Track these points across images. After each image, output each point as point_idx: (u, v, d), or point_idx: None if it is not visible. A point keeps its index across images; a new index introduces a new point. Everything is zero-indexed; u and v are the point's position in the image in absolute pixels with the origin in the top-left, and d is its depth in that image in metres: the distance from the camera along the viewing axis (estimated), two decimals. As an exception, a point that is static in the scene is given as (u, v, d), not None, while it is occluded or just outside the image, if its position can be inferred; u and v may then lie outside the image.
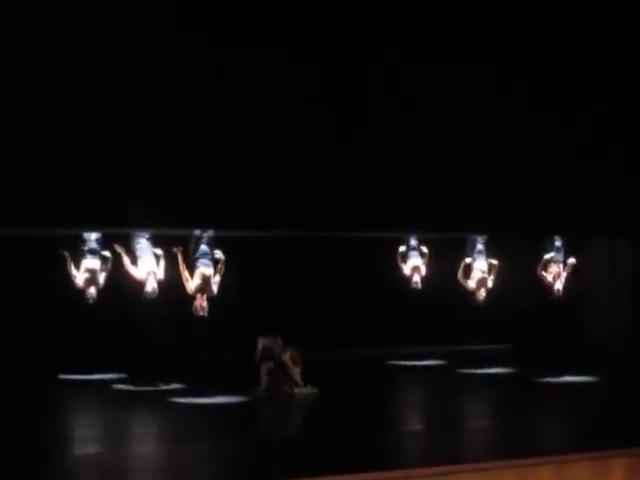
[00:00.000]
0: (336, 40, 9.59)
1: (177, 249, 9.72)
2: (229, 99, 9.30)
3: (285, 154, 9.49)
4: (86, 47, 8.61)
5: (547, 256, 11.78)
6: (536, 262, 11.73)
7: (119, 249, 9.96)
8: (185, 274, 9.72)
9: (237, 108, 9.32)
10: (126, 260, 9.98)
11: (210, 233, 9.98)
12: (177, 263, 9.74)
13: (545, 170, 10.76)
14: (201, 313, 9.69)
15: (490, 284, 11.66)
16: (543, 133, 10.64)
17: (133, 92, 8.88)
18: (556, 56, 10.57)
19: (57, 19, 8.47)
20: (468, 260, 11.70)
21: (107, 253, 10.27)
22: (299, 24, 9.45)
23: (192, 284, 9.69)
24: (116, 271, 10.23)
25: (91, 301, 10.29)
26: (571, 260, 11.77)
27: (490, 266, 11.68)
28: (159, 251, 10.06)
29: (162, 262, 10.00)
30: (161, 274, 10.03)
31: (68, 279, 10.28)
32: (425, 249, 12.17)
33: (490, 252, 11.84)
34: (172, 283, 9.96)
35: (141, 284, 10.03)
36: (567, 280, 11.78)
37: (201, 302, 9.68)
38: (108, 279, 10.33)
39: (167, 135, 9.19)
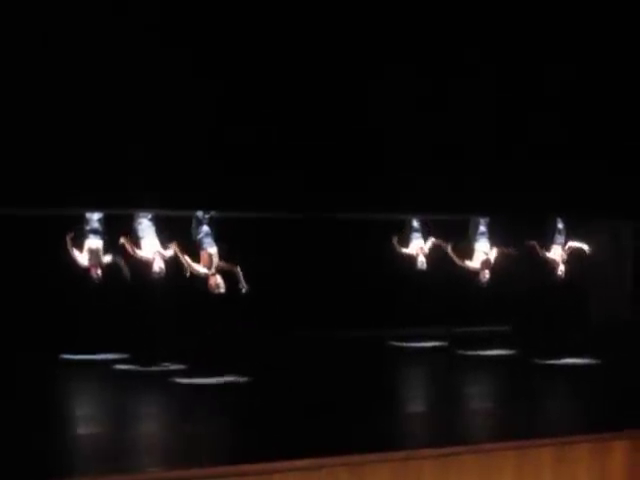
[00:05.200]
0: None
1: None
2: (236, 72, 9.28)
3: (286, 138, 9.48)
4: (94, 30, 8.58)
5: (549, 238, 11.82)
6: (538, 244, 11.76)
7: (124, 241, 9.98)
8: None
9: (243, 88, 9.30)
10: (133, 249, 10.00)
11: (213, 214, 10.02)
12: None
13: (547, 151, 10.75)
14: (217, 291, 9.73)
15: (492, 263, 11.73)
16: (543, 114, 10.62)
17: (134, 74, 8.86)
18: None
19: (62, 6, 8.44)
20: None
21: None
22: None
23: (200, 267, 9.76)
24: (119, 251, 10.24)
25: (95, 281, 10.31)
26: (573, 243, 11.82)
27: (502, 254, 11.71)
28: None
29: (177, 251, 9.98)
30: (167, 253, 10.04)
31: (71, 259, 10.29)
32: (426, 228, 12.20)
33: (493, 234, 11.87)
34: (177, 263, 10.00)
35: (148, 264, 10.05)
36: (569, 262, 11.82)
37: (216, 280, 9.73)
38: (112, 259, 10.33)
39: (170, 115, 9.17)
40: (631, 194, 11.11)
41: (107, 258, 10.28)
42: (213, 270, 9.78)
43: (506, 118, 10.43)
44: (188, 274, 9.82)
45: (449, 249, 11.83)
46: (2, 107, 8.43)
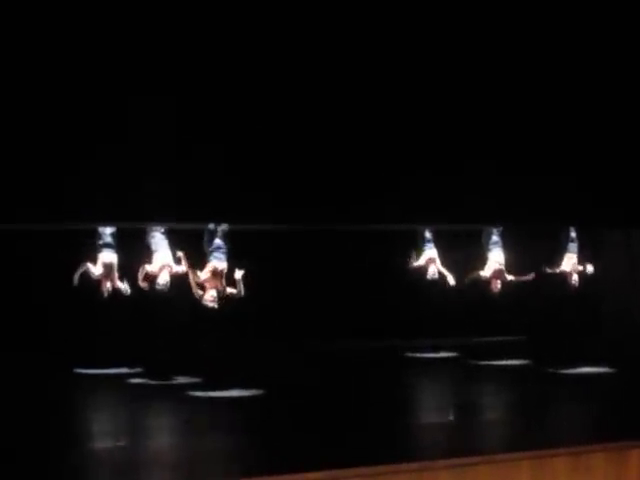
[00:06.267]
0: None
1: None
2: (246, 87, 9.27)
3: (297, 148, 9.46)
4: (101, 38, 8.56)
5: (562, 247, 11.80)
6: (552, 253, 11.74)
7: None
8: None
9: (252, 97, 9.28)
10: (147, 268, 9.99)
11: (224, 227, 10.01)
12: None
13: (559, 159, 10.71)
14: (210, 305, 9.69)
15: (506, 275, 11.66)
16: (557, 121, 10.59)
17: (143, 80, 8.83)
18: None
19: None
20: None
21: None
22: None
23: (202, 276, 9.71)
24: (131, 265, 10.25)
25: (107, 295, 10.30)
26: (581, 262, 11.80)
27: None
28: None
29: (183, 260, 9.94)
30: (178, 268, 10.00)
31: (84, 274, 10.31)
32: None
33: (505, 243, 11.84)
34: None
35: (155, 277, 10.04)
36: (582, 273, 11.79)
37: (212, 294, 9.69)
38: (123, 273, 10.34)
39: (179, 127, 9.17)
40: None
41: (119, 284, 10.26)
42: (208, 282, 9.71)
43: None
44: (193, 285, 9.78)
45: (451, 282, 11.77)
46: (14, 124, 8.44)
